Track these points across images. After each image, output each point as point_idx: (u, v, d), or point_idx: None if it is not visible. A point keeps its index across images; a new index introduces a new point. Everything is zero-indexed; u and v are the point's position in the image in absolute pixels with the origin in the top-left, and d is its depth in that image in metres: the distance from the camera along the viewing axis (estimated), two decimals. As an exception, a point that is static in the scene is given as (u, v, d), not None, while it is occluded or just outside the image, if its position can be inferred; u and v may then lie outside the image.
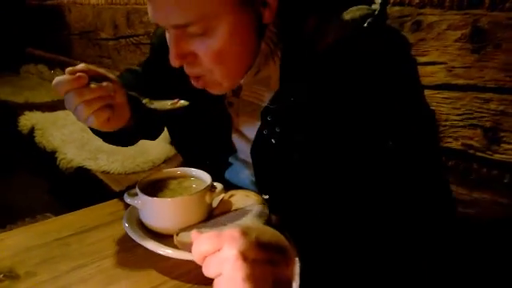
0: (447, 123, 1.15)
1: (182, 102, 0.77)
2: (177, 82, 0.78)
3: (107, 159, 1.89)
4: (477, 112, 1.10)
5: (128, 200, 0.73)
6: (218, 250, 0.52)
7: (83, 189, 1.95)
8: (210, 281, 0.52)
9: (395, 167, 0.67)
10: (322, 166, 0.72)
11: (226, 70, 0.71)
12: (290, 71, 0.72)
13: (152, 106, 0.77)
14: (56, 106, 2.78)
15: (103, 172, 1.85)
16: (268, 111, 0.74)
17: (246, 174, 0.87)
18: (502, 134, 1.07)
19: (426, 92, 0.73)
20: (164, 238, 0.69)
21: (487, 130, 1.09)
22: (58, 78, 0.70)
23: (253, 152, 0.80)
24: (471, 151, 1.13)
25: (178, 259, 0.65)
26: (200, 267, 0.54)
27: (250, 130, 0.82)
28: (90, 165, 1.89)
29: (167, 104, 0.77)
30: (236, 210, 0.75)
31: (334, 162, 0.71)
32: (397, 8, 1.20)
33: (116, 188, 1.71)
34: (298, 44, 0.71)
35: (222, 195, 0.78)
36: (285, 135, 0.73)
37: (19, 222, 1.63)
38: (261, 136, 0.77)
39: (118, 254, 0.70)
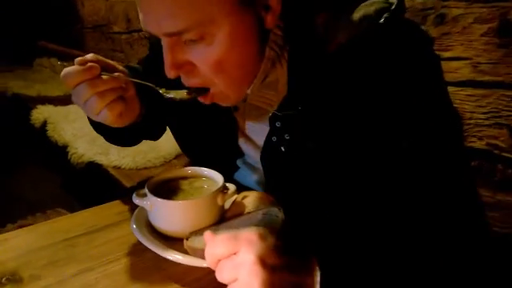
0: (471, 122, 1.10)
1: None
2: (178, 82, 0.74)
3: (118, 154, 1.87)
4: (503, 110, 1.04)
5: (136, 201, 0.70)
6: (234, 254, 0.49)
7: (94, 184, 1.94)
8: (222, 287, 0.50)
9: (417, 172, 0.63)
10: (337, 174, 0.67)
11: (228, 80, 0.66)
12: (299, 75, 0.67)
13: (169, 96, 0.72)
14: (68, 99, 2.73)
15: (114, 167, 1.84)
16: (276, 117, 0.70)
17: (253, 179, 0.83)
18: (530, 134, 1.01)
19: (449, 89, 0.68)
20: (174, 240, 0.66)
21: (514, 129, 1.04)
22: (67, 69, 0.65)
23: (263, 159, 0.76)
24: (496, 151, 1.08)
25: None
26: (212, 273, 0.51)
27: (258, 135, 0.78)
28: (101, 160, 1.88)
29: (184, 93, 0.72)
30: (249, 212, 0.71)
31: (349, 170, 0.66)
32: (419, 0, 1.14)
33: (127, 183, 1.69)
34: (306, 45, 0.66)
35: (235, 197, 0.74)
36: (295, 143, 0.69)
37: (29, 217, 1.62)
38: (270, 143, 0.72)
39: (125, 257, 0.67)
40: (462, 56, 1.09)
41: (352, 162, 0.65)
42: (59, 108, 2.61)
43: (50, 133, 2.31)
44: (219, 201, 0.69)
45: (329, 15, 0.65)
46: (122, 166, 1.83)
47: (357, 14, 0.63)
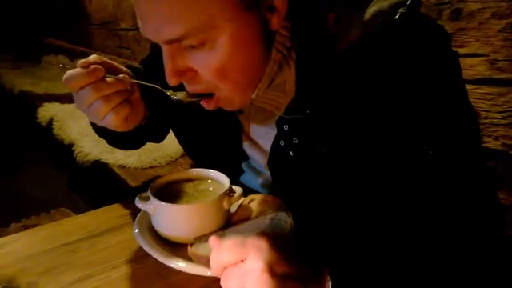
0: (486, 121, 1.06)
1: None
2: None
3: (124, 153, 1.85)
4: (521, 110, 1.00)
5: (139, 205, 0.67)
6: (241, 261, 0.47)
7: (100, 183, 1.92)
8: (227, 296, 0.47)
9: (435, 176, 0.59)
10: (349, 179, 0.64)
11: (232, 85, 0.62)
12: (308, 75, 0.63)
13: (176, 98, 0.69)
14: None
15: (120, 166, 1.82)
16: (284, 120, 0.66)
17: (258, 183, 0.80)
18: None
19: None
20: (177, 246, 0.63)
21: (532, 129, 0.99)
22: (69, 72, 0.62)
23: (270, 164, 0.72)
24: (512, 152, 1.04)
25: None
26: (217, 282, 0.49)
27: (264, 138, 0.75)
28: (107, 158, 1.86)
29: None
30: (256, 216, 0.68)
31: (363, 175, 0.63)
32: (434, -6, 1.10)
33: (132, 183, 1.67)
34: (315, 44, 0.62)
35: (241, 200, 0.71)
36: (304, 147, 0.66)
37: (33, 217, 1.61)
38: (277, 147, 0.69)
39: (127, 264, 0.65)
40: (478, 53, 1.05)
41: (366, 166, 0.62)
42: (66, 106, 2.59)
43: (56, 131, 2.31)
44: (225, 204, 0.66)
45: (340, 12, 0.61)
46: (128, 165, 1.81)
47: (370, 10, 0.59)
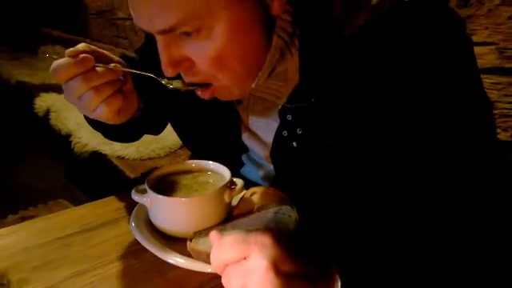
0: (496, 112, 1.03)
1: None
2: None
3: (122, 144, 1.82)
4: (531, 100, 0.97)
5: (136, 198, 0.64)
6: (244, 259, 0.44)
7: (98, 174, 1.90)
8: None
9: (446, 169, 0.56)
10: (356, 171, 0.61)
11: (231, 75, 0.59)
12: (312, 61, 0.60)
13: (172, 87, 0.65)
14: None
15: (118, 157, 1.79)
16: (287, 110, 0.63)
17: (259, 176, 0.77)
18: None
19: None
20: (176, 241, 0.61)
21: (542, 120, 0.97)
22: (57, 62, 0.58)
23: (273, 156, 0.69)
24: (522, 143, 1.01)
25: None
26: (217, 279, 0.47)
27: (264, 130, 0.72)
28: (105, 149, 1.83)
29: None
30: (259, 210, 0.65)
31: (371, 167, 0.60)
32: (441, -20, 1.06)
33: (131, 174, 1.64)
34: (320, 29, 0.59)
35: (243, 193, 0.68)
36: (308, 137, 0.63)
37: (31, 208, 1.58)
38: (280, 138, 0.66)
39: (123, 259, 0.62)
40: (487, 41, 1.02)
41: (374, 157, 0.59)
42: (63, 96, 2.53)
43: (53, 121, 2.28)
44: (226, 197, 0.63)
45: None
46: (126, 156, 1.78)
47: None
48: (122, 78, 0.64)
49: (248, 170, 0.79)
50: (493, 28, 1.00)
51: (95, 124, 0.77)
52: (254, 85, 0.63)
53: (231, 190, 0.64)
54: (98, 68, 0.60)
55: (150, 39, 0.85)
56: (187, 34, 0.54)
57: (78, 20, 3.72)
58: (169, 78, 0.65)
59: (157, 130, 0.94)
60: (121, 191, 0.81)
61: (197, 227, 0.61)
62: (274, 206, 0.65)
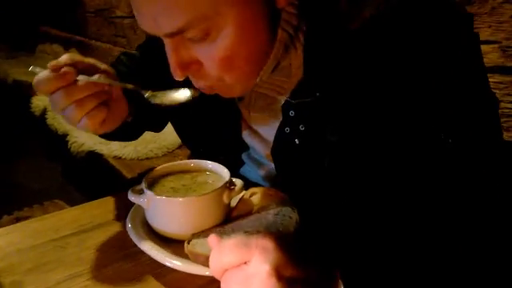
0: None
1: (189, 93, 0.64)
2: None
3: (119, 144, 1.81)
4: (535, 99, 0.96)
5: (132, 198, 0.62)
6: (244, 263, 0.42)
7: (95, 174, 1.88)
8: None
9: (453, 168, 0.55)
10: (360, 170, 0.59)
11: (237, 75, 0.58)
12: (317, 55, 0.58)
13: (156, 101, 0.65)
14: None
15: (115, 157, 1.78)
16: (290, 106, 0.62)
17: (260, 175, 0.76)
18: None
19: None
20: (173, 243, 0.60)
21: (546, 120, 0.95)
22: (38, 77, 0.58)
23: (274, 153, 0.68)
24: (524, 144, 1.00)
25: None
26: (216, 282, 0.45)
27: (265, 127, 0.70)
28: (102, 149, 1.82)
29: (173, 97, 0.64)
30: (258, 211, 0.63)
31: (376, 166, 0.58)
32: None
33: (128, 174, 1.63)
34: (325, 22, 0.58)
35: (242, 193, 0.66)
36: (311, 134, 0.61)
37: (26, 209, 1.56)
38: (282, 135, 0.65)
39: (119, 261, 0.60)
40: (490, 39, 1.00)
41: (378, 155, 0.57)
42: (60, 95, 2.54)
43: (49, 121, 2.26)
44: (225, 198, 0.62)
45: None
46: (123, 156, 1.77)
47: None
48: (106, 88, 0.62)
49: (248, 169, 0.78)
50: (496, 26, 0.99)
51: None
52: (258, 80, 0.62)
53: (230, 190, 0.63)
54: (80, 81, 0.59)
55: (151, 37, 0.84)
56: (196, 37, 0.53)
57: (76, 18, 3.70)
58: (153, 89, 0.65)
59: (158, 128, 0.93)
60: (118, 192, 0.79)
61: (195, 229, 0.59)
62: (274, 207, 0.63)
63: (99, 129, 0.63)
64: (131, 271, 0.58)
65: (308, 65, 0.59)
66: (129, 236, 0.61)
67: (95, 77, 0.60)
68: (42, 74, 0.58)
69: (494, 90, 0.98)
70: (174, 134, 0.90)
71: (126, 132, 0.79)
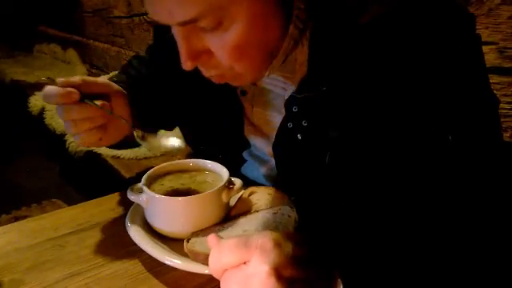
0: (495, 112, 1.02)
1: (178, 143, 0.70)
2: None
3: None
4: (532, 100, 0.96)
5: (131, 197, 0.63)
6: (244, 264, 0.42)
7: (93, 174, 1.88)
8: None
9: (454, 167, 0.55)
10: (361, 167, 0.59)
11: (248, 65, 0.58)
12: (322, 49, 0.59)
13: (143, 146, 0.69)
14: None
15: (113, 157, 1.77)
16: (293, 101, 0.62)
17: (261, 173, 0.76)
18: (560, 126, 0.93)
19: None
20: (173, 241, 0.60)
21: (542, 121, 0.96)
22: (48, 89, 0.62)
23: (275, 148, 0.68)
24: (521, 144, 1.00)
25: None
26: (215, 280, 0.45)
27: (267, 123, 0.71)
28: (100, 149, 1.81)
29: (158, 146, 0.69)
30: (257, 210, 0.64)
31: (378, 164, 0.58)
32: (441, -21, 1.05)
33: (126, 174, 1.62)
34: (333, 17, 0.58)
35: (241, 193, 0.67)
36: (314, 130, 0.62)
37: (24, 208, 1.56)
38: (284, 130, 0.65)
39: (118, 260, 0.61)
40: (487, 40, 1.00)
41: (380, 153, 0.57)
42: (58, 95, 2.53)
43: (47, 120, 2.25)
44: (224, 197, 0.62)
45: None
46: (122, 156, 1.76)
47: None
48: (107, 114, 0.65)
49: (249, 167, 0.78)
50: (493, 27, 0.99)
51: None
52: (267, 73, 0.62)
53: (229, 189, 0.63)
54: (84, 102, 0.62)
55: (157, 37, 0.85)
56: (209, 26, 0.53)
57: (73, 18, 3.69)
58: (143, 127, 0.70)
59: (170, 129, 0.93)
60: (116, 191, 0.79)
61: (194, 228, 0.60)
62: (273, 207, 0.63)
63: (94, 145, 0.68)
64: (131, 270, 0.58)
65: (313, 59, 0.59)
66: (128, 235, 0.62)
67: (99, 102, 0.64)
68: (51, 87, 0.61)
69: (492, 91, 0.99)
70: (173, 134, 0.90)
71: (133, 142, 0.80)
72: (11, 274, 0.58)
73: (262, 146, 0.73)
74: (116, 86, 0.70)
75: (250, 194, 0.67)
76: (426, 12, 0.54)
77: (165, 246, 0.59)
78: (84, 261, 0.60)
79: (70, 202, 1.59)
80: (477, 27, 0.97)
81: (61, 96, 0.60)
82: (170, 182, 0.66)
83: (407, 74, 0.54)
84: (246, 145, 0.77)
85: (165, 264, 0.56)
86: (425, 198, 0.55)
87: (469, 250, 0.51)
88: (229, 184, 0.63)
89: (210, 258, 0.44)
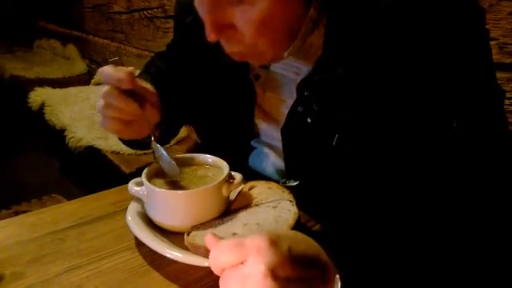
0: (495, 107, 1.02)
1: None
2: (200, 54, 0.69)
3: (117, 139, 1.79)
4: (531, 96, 0.96)
5: (132, 191, 0.63)
6: (241, 263, 0.42)
7: (93, 169, 1.88)
8: (226, 288, 0.43)
9: (462, 155, 0.55)
10: (369, 151, 0.60)
11: (270, 42, 0.59)
12: (339, 31, 0.60)
13: (160, 164, 0.67)
14: (67, 82, 2.71)
15: (113, 152, 1.78)
16: (305, 85, 0.62)
17: (270, 161, 0.76)
18: (560, 122, 0.93)
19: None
20: (173, 235, 0.60)
21: (542, 116, 0.96)
22: (108, 69, 0.63)
23: (284, 132, 0.68)
24: (521, 140, 1.00)
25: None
26: (216, 275, 0.45)
27: (278, 108, 0.71)
28: (100, 144, 1.82)
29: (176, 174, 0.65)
30: (257, 204, 0.64)
31: (384, 147, 0.58)
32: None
33: (126, 169, 1.63)
34: (347, 3, 0.59)
35: (241, 187, 0.67)
36: (324, 113, 0.62)
37: (24, 203, 1.56)
38: (294, 114, 0.65)
39: (119, 253, 0.61)
40: (487, 36, 1.01)
41: (389, 135, 0.58)
42: (57, 90, 2.54)
43: (47, 116, 2.26)
44: (224, 191, 0.62)
45: None
46: (122, 151, 1.76)
47: None
48: (131, 115, 0.65)
49: (257, 154, 0.78)
50: (493, 23, 0.99)
51: None
52: (286, 54, 0.63)
53: (230, 183, 0.63)
54: (120, 95, 0.63)
55: (176, 34, 0.86)
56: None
57: (73, 14, 3.68)
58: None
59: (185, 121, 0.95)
60: (116, 186, 0.79)
61: (194, 221, 0.60)
62: (273, 201, 0.63)
63: (112, 132, 0.69)
64: (131, 263, 0.59)
65: (327, 44, 0.60)
66: (128, 228, 0.61)
67: (131, 104, 0.64)
68: (112, 69, 0.63)
69: (492, 87, 0.99)
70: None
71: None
72: (12, 267, 0.58)
73: (271, 131, 0.74)
74: (153, 89, 0.70)
75: (251, 188, 0.68)
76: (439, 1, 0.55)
77: (165, 240, 0.59)
78: (84, 254, 0.61)
79: (70, 197, 1.59)
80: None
81: (118, 80, 0.62)
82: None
83: (418, 57, 0.55)
84: (255, 134, 0.78)
85: (165, 257, 0.56)
86: (428, 190, 0.55)
87: (470, 246, 0.52)
88: (229, 178, 0.63)
89: (210, 258, 0.44)
